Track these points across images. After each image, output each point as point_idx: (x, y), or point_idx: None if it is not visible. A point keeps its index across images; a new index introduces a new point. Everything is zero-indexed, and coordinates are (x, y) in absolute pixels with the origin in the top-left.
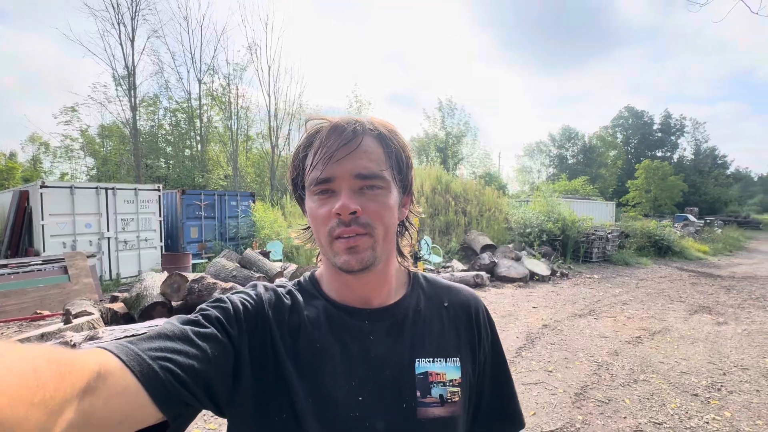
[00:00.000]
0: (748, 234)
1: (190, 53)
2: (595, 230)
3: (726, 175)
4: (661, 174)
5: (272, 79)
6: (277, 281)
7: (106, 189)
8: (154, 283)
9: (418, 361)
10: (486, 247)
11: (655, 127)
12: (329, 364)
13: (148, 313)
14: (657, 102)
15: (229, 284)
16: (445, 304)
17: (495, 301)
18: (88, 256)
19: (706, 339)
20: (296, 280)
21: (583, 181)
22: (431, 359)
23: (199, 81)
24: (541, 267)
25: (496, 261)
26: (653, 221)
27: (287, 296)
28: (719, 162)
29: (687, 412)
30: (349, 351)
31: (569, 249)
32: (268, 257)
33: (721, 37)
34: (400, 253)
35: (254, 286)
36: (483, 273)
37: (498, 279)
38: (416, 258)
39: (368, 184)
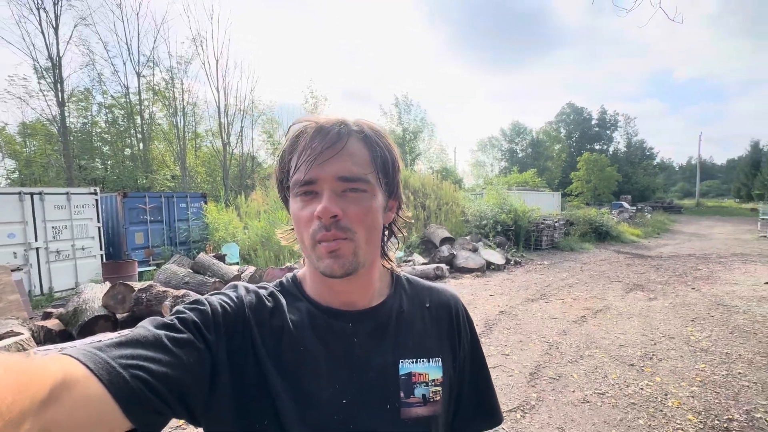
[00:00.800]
0: (672, 218)
1: (126, 44)
2: (544, 220)
3: (653, 166)
4: (600, 165)
5: (221, 73)
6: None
7: (32, 194)
8: (94, 295)
9: (402, 362)
10: (445, 240)
11: (593, 122)
12: (313, 366)
13: (88, 329)
14: (594, 99)
15: (182, 291)
16: (427, 305)
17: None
18: (12, 270)
19: (640, 314)
20: (278, 281)
21: (532, 173)
22: (414, 360)
23: (138, 74)
24: (496, 256)
25: (455, 253)
26: (594, 209)
27: (269, 298)
28: (647, 154)
29: (625, 381)
30: (333, 353)
31: (521, 238)
32: (223, 260)
33: (643, 41)
34: (385, 257)
35: (234, 288)
36: (443, 265)
37: (457, 270)
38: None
39: (351, 186)
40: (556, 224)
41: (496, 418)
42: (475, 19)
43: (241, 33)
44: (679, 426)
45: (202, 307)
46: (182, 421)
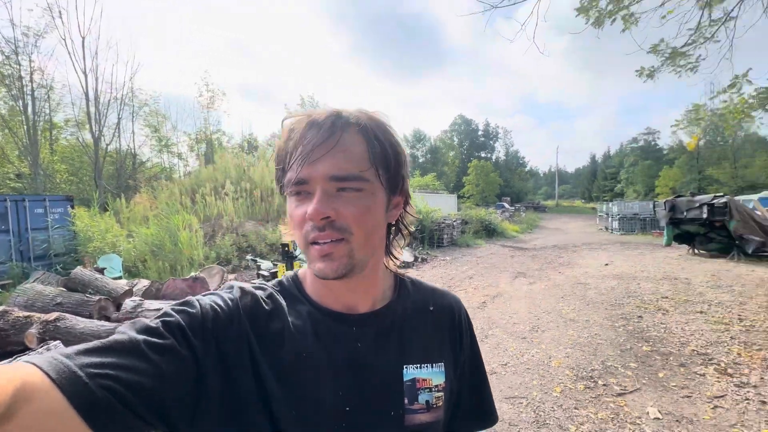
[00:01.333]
0: (539, 215)
1: None
2: (444, 219)
3: (525, 172)
4: (486, 171)
5: (88, 53)
6: (257, 282)
7: None
8: None
9: (406, 367)
10: None
11: (479, 132)
12: (315, 372)
13: None
14: (480, 112)
15: (54, 315)
16: (431, 308)
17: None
18: None
19: (525, 296)
20: (277, 280)
21: (432, 177)
22: (418, 365)
23: None
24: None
25: None
26: (483, 210)
27: (267, 300)
28: (521, 162)
29: (520, 351)
30: (336, 358)
31: (426, 237)
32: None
33: (517, 66)
34: (390, 256)
35: (230, 289)
36: None
37: None
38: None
39: (345, 185)
40: (455, 223)
41: (493, 418)
42: (377, 28)
43: (119, 10)
44: (560, 381)
45: (191, 310)
46: None
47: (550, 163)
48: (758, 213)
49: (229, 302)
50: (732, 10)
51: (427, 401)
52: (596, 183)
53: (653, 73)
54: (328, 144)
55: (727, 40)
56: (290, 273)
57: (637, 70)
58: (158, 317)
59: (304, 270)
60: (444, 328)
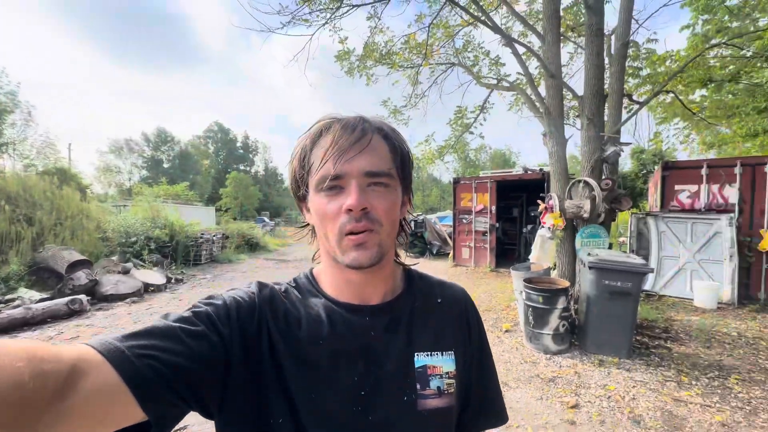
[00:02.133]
0: (298, 229)
1: None
2: (202, 234)
3: (284, 188)
4: (245, 184)
5: None
6: (273, 280)
7: None
8: None
9: (417, 354)
10: (77, 264)
11: (238, 144)
12: (331, 358)
13: None
14: (239, 123)
15: None
16: (439, 300)
17: (109, 325)
18: None
19: None
20: (293, 278)
21: (184, 186)
22: (429, 353)
23: None
24: (155, 276)
25: (98, 279)
26: (244, 224)
27: (285, 294)
28: (279, 178)
29: None
30: (351, 346)
31: (180, 254)
32: None
33: (274, 83)
34: (396, 252)
35: (249, 285)
36: (82, 296)
37: (103, 299)
38: None
39: (376, 181)
40: (214, 238)
41: (502, 417)
42: (100, 6)
43: None
44: None
45: (217, 302)
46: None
47: None
48: (437, 226)
49: (249, 295)
50: (426, 89)
51: (438, 387)
52: None
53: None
54: (362, 143)
55: (424, 109)
56: (303, 272)
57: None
58: (188, 309)
59: (318, 268)
60: (453, 318)
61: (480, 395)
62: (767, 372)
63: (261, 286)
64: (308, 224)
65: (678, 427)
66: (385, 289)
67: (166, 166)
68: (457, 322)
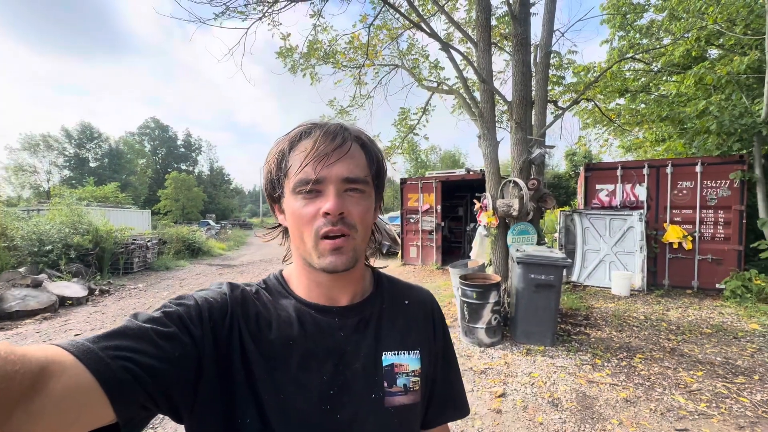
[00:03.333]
0: (246, 233)
1: None
2: (134, 240)
3: (231, 189)
4: (187, 185)
5: None
6: (243, 281)
7: None
8: None
9: (385, 354)
10: None
11: (179, 142)
12: (300, 358)
13: None
14: (179, 120)
15: None
16: (406, 302)
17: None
18: None
19: None
20: (262, 279)
21: (114, 187)
22: (396, 352)
23: None
24: (74, 288)
25: (0, 293)
26: (185, 227)
27: (255, 295)
28: (226, 179)
29: None
30: (320, 347)
31: (107, 263)
32: None
33: (216, 78)
34: (366, 255)
35: (219, 285)
36: None
37: (7, 317)
38: None
39: (353, 187)
40: (149, 244)
41: (464, 410)
42: None
43: None
44: None
45: (187, 302)
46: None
47: (254, 182)
48: (387, 226)
49: (221, 296)
50: (372, 90)
51: (404, 385)
52: None
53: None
54: (342, 150)
55: (370, 110)
56: (274, 272)
57: (321, 116)
58: (158, 309)
59: (288, 269)
60: (419, 319)
61: (444, 390)
62: (665, 350)
63: (232, 287)
64: (280, 225)
65: (589, 406)
66: (355, 291)
67: (93, 165)
68: (423, 323)
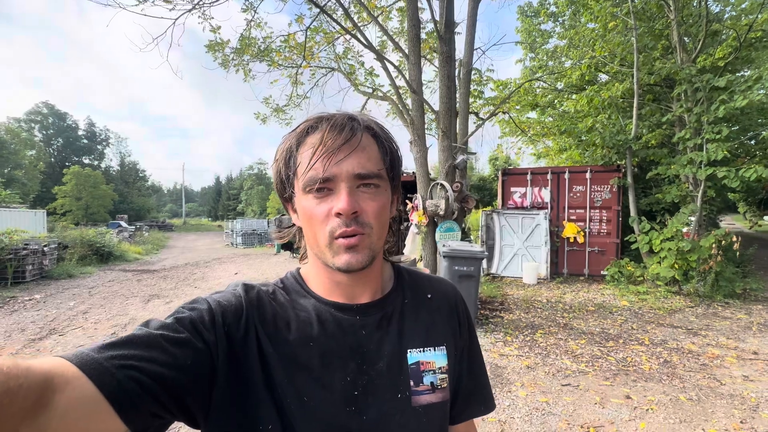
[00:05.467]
0: (167, 234)
1: None
2: (26, 244)
3: (146, 187)
4: (93, 182)
5: None
6: (260, 281)
7: None
8: None
9: (410, 351)
10: None
11: (81, 132)
12: (322, 360)
13: None
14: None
15: None
16: (429, 296)
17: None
18: None
19: (165, 315)
20: (279, 278)
21: None
22: (421, 349)
23: None
24: None
25: None
26: (91, 229)
27: (272, 296)
28: (141, 175)
29: None
30: (342, 346)
31: None
32: None
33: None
34: (387, 250)
35: (235, 286)
36: None
37: None
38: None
39: (366, 182)
40: (46, 249)
41: (490, 405)
42: None
43: None
44: None
45: (200, 307)
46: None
47: (174, 179)
48: None
49: (236, 298)
50: (308, 91)
51: (432, 383)
52: (221, 202)
53: (266, 119)
54: (352, 144)
55: (307, 110)
56: (291, 271)
57: (255, 113)
58: (170, 315)
59: (306, 268)
60: (443, 313)
61: (471, 385)
62: (559, 325)
63: (247, 288)
64: (293, 225)
65: (499, 374)
66: (375, 288)
67: None
68: (448, 317)
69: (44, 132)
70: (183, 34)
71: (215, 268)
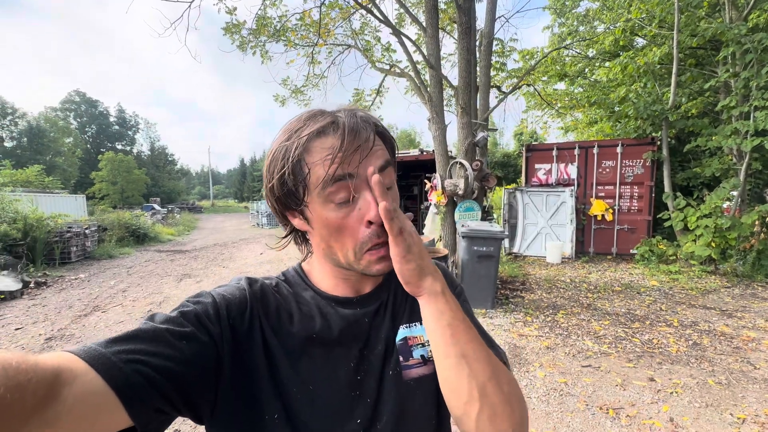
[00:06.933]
0: (196, 216)
1: None
2: (70, 227)
3: (176, 171)
4: (126, 167)
5: None
6: (262, 275)
7: None
8: None
9: (400, 328)
10: None
11: (112, 119)
12: (326, 352)
13: None
14: (106, 93)
15: None
16: None
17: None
18: None
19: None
20: (282, 273)
21: (37, 170)
22: (407, 324)
23: None
24: (5, 282)
25: None
26: (127, 212)
27: (275, 288)
28: (170, 159)
29: None
30: (345, 337)
31: (40, 253)
32: None
33: (146, 49)
34: None
35: (238, 280)
36: None
37: None
38: None
39: (387, 186)
40: (87, 231)
41: (498, 350)
42: None
43: None
44: None
45: (205, 300)
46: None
47: (201, 162)
48: None
49: (240, 291)
50: (325, 70)
51: (422, 356)
52: (246, 184)
53: (285, 101)
54: (367, 147)
55: (324, 90)
56: (293, 266)
57: (274, 95)
58: (175, 309)
59: (308, 263)
60: None
61: None
62: (583, 306)
63: (251, 281)
64: (294, 231)
65: (518, 354)
66: (377, 279)
67: (9, 145)
68: None
69: (78, 120)
70: (199, 16)
71: (242, 249)
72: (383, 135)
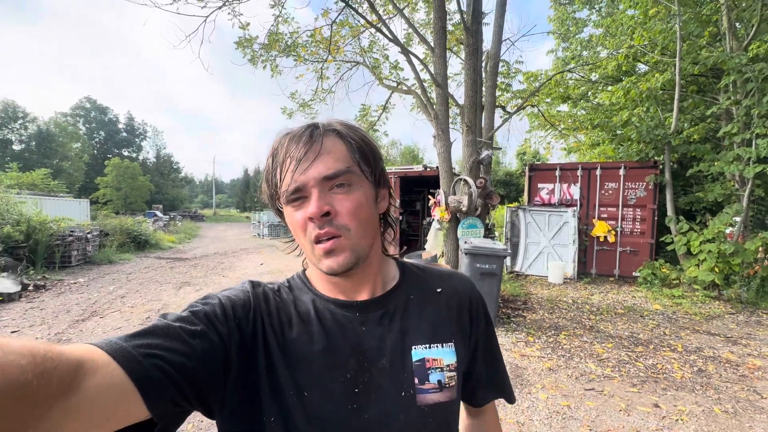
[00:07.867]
0: (198, 225)
1: None
2: (72, 231)
3: (180, 179)
4: (131, 173)
5: None
6: (267, 280)
7: None
8: None
9: (415, 348)
10: None
11: (120, 126)
12: (322, 358)
13: None
14: (117, 100)
15: None
16: (438, 290)
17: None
18: None
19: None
20: (285, 279)
21: (43, 174)
22: (427, 345)
23: None
24: (4, 284)
25: None
26: (129, 218)
27: (278, 292)
28: (175, 167)
29: None
30: (343, 343)
31: (40, 256)
32: None
33: (157, 57)
34: (383, 246)
35: (242, 284)
36: None
37: None
38: None
39: (337, 182)
40: (89, 236)
41: (510, 395)
42: None
43: None
44: None
45: (212, 301)
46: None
47: (205, 171)
48: None
49: (244, 293)
50: (333, 85)
51: (439, 381)
52: (249, 194)
53: (292, 114)
54: (314, 150)
55: (331, 105)
56: (298, 272)
57: (282, 108)
58: (185, 309)
59: (310, 269)
60: (453, 309)
61: (487, 372)
62: (585, 327)
63: (254, 284)
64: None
65: (520, 375)
66: (374, 286)
67: (17, 148)
68: (458, 312)
69: (87, 125)
70: (213, 30)
71: (242, 258)
72: (342, 135)
